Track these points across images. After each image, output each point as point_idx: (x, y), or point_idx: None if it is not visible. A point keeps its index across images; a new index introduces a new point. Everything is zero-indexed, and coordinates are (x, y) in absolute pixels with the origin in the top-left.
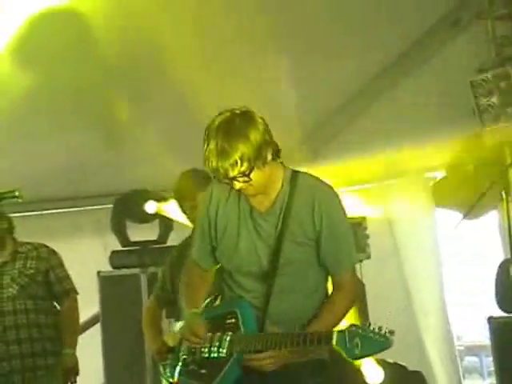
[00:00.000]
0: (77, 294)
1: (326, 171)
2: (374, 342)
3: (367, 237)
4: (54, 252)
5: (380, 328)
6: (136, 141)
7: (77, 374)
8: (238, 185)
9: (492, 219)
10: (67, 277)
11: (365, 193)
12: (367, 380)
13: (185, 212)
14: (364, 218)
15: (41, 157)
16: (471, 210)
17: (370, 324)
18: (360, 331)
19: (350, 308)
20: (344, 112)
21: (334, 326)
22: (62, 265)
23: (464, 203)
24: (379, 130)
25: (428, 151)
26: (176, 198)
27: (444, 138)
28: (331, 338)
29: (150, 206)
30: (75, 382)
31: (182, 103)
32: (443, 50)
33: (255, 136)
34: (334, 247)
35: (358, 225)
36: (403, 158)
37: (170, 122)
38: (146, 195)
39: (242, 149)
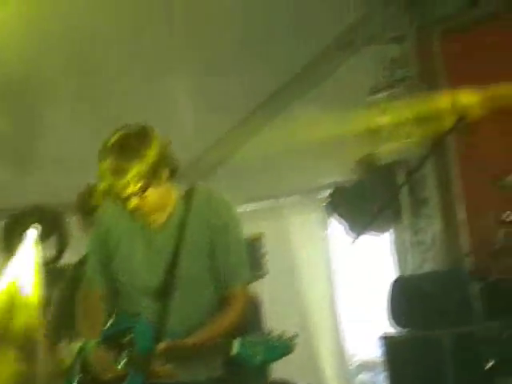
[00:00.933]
0: None
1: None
2: (276, 348)
3: (264, 254)
4: None
5: (282, 334)
6: (33, 156)
7: None
8: (132, 203)
9: (386, 239)
10: None
11: (261, 211)
12: None
13: (87, 228)
14: (261, 236)
15: None
16: (363, 231)
17: (270, 332)
18: (261, 339)
19: (237, 322)
20: (239, 130)
21: (214, 339)
22: None
23: (358, 222)
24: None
25: (322, 170)
26: (78, 213)
27: (337, 157)
28: (231, 347)
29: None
30: None
31: (82, 118)
32: (337, 71)
33: (151, 155)
34: (228, 260)
35: (255, 242)
36: (297, 176)
37: (68, 137)
38: (39, 212)
39: (136, 168)
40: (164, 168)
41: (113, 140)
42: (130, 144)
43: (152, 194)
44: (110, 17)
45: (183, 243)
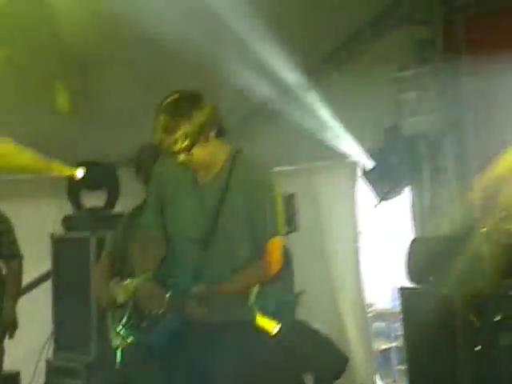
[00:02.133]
0: (22, 258)
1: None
2: (284, 302)
3: (295, 212)
4: (6, 218)
5: (291, 290)
6: (98, 114)
7: (15, 325)
8: (180, 158)
9: (407, 202)
10: (15, 242)
11: (296, 172)
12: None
13: (142, 183)
14: (293, 195)
15: (7, 126)
16: (388, 195)
17: (282, 286)
18: (273, 292)
19: (267, 274)
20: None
21: (246, 288)
22: (12, 230)
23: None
24: (310, 115)
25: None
26: (135, 170)
27: (367, 125)
28: (248, 297)
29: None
30: (12, 335)
31: (143, 80)
32: (369, 51)
33: (199, 117)
34: (260, 218)
35: (288, 200)
36: (329, 142)
37: (131, 98)
38: (91, 165)
39: (184, 127)
40: (211, 130)
41: (167, 100)
42: (181, 105)
43: (198, 151)
44: None
45: (226, 201)
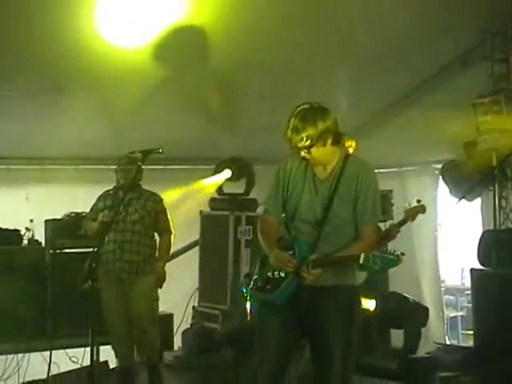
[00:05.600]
0: (172, 232)
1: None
2: (389, 259)
3: (392, 204)
4: (161, 199)
5: (394, 251)
6: (240, 122)
7: (164, 280)
8: (302, 154)
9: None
10: (168, 219)
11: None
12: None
13: None
14: (391, 191)
15: (175, 127)
16: (465, 195)
17: (387, 248)
18: (379, 253)
19: (366, 251)
20: (378, 118)
21: (348, 261)
22: (165, 210)
23: (461, 189)
24: (409, 130)
25: (437, 149)
26: None
27: (449, 142)
28: (359, 258)
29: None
30: (161, 286)
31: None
32: (456, 80)
33: (321, 125)
34: (363, 208)
35: (387, 195)
36: (419, 152)
37: (269, 109)
38: (234, 161)
39: (308, 131)
40: (329, 137)
41: (299, 109)
42: (309, 114)
43: (316, 151)
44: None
45: (337, 192)
